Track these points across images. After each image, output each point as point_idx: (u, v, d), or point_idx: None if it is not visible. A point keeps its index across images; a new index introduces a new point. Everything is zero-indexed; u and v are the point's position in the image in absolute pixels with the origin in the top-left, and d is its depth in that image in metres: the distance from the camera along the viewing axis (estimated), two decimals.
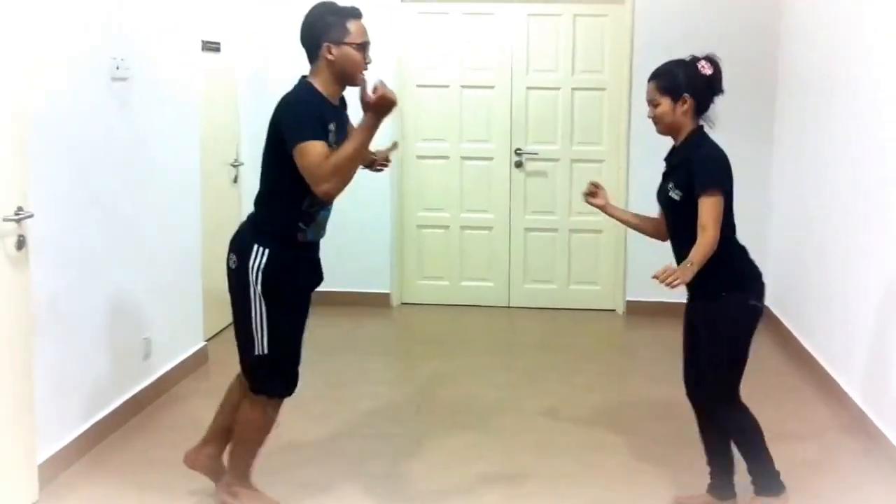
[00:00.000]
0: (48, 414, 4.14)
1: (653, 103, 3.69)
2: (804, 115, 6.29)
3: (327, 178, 3.33)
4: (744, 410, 3.76)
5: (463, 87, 7.42)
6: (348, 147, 3.36)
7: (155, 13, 5.14)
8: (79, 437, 4.41)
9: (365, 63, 3.54)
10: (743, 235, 7.34)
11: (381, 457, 4.54)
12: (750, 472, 3.82)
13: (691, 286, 3.69)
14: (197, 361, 5.77)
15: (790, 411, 5.20)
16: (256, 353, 3.63)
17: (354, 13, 3.55)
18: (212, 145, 6.22)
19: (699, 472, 4.05)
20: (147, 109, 5.04)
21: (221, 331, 6.52)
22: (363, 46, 3.53)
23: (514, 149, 7.42)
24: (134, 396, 4.95)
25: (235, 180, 6.75)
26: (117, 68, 4.68)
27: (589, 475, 4.35)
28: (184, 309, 5.65)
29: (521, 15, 7.32)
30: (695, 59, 3.65)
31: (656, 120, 3.71)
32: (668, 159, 3.79)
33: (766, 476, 3.79)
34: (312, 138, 3.37)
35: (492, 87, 7.40)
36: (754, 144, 7.03)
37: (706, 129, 3.73)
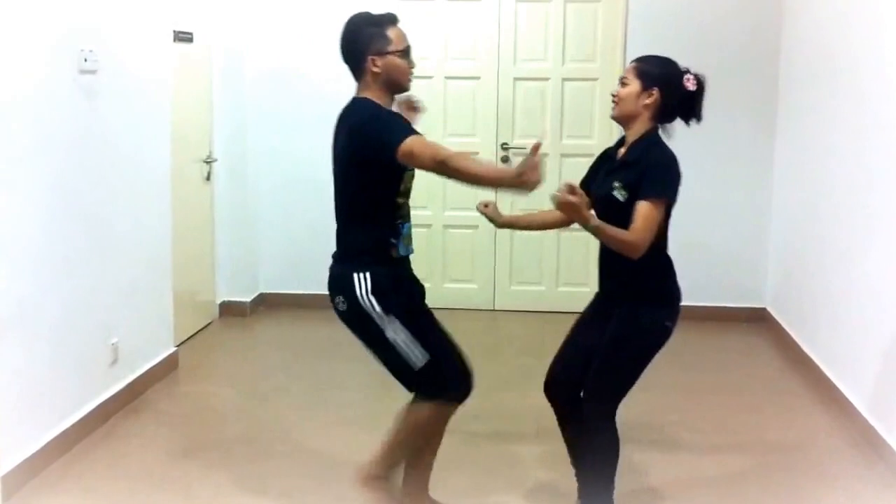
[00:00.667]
0: (11, 423, 4.19)
1: (622, 81, 3.70)
2: (808, 106, 6.35)
3: (447, 157, 3.34)
4: (613, 425, 3.75)
5: (447, 77, 7.49)
6: (478, 169, 3.43)
7: (124, 2, 5.20)
8: (43, 448, 4.46)
9: (410, 68, 3.62)
10: (743, 231, 7.43)
11: (352, 465, 4.60)
12: (584, 495, 3.86)
13: (608, 286, 3.78)
14: (167, 368, 5.83)
15: (788, 417, 5.32)
16: (417, 367, 3.63)
17: (392, 19, 3.62)
18: (184, 141, 6.28)
19: (686, 485, 4.12)
20: (116, 103, 5.10)
21: (192, 336, 6.59)
22: (406, 52, 3.60)
23: (500, 143, 7.50)
24: (101, 405, 5.01)
25: (208, 178, 6.80)
26: (85, 60, 4.73)
27: (572, 487, 4.42)
28: (153, 312, 5.71)
29: (508, 1, 7.39)
30: (686, 70, 3.65)
31: (617, 99, 3.70)
32: (613, 153, 3.80)
33: (598, 500, 3.80)
34: (413, 133, 3.41)
35: (477, 78, 7.47)
36: (756, 138, 7.11)
37: (661, 134, 3.72)
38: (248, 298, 7.41)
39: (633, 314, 3.68)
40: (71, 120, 4.69)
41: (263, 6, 7.26)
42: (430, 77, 7.45)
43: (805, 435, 5.01)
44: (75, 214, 4.75)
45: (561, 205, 3.42)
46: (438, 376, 3.68)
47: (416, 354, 3.62)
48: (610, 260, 3.74)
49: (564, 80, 7.42)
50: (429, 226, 7.61)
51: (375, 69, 3.55)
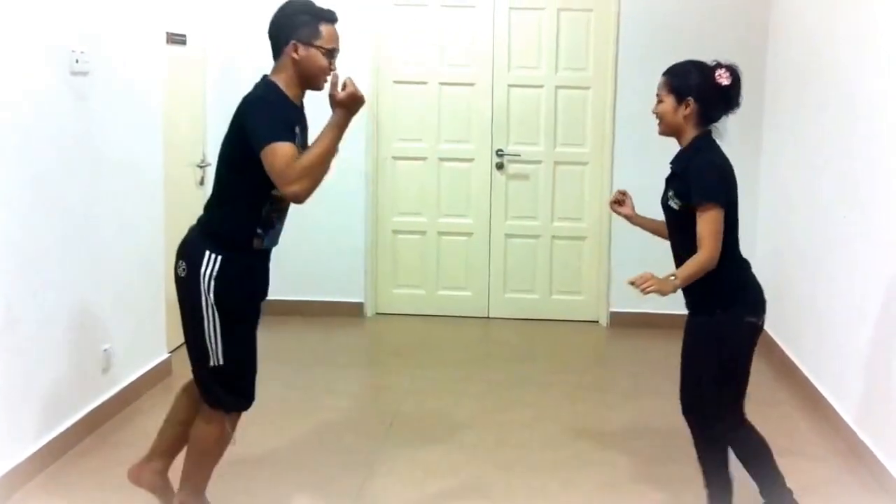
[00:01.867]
0: (2, 429, 4.12)
1: (658, 98, 3.71)
2: (794, 117, 6.34)
3: (297, 179, 3.33)
4: (747, 429, 3.78)
5: (441, 83, 7.43)
6: (318, 147, 3.38)
7: (117, 3, 5.13)
8: (34, 455, 4.38)
9: (330, 70, 3.55)
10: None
11: (351, 473, 4.54)
12: (762, 493, 3.82)
13: (689, 300, 3.75)
14: (159, 374, 5.75)
15: (774, 425, 5.23)
16: (211, 364, 3.61)
17: (330, 17, 3.57)
18: (177, 145, 6.21)
19: (683, 490, 4.08)
20: (108, 106, 5.02)
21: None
22: (331, 52, 3.55)
23: (494, 150, 7.44)
24: (93, 411, 4.93)
25: (202, 182, 6.73)
26: (77, 62, 4.65)
27: (566, 494, 4.39)
28: (146, 318, 5.63)
29: (502, 8, 7.34)
30: (716, 65, 3.63)
31: (657, 117, 3.73)
32: (672, 163, 3.79)
33: (778, 497, 3.79)
34: (282, 139, 3.36)
35: (472, 85, 7.42)
36: (740, 148, 7.02)
37: (714, 136, 3.72)
38: None
39: (714, 322, 3.69)
40: (62, 122, 4.61)
41: (257, 9, 7.14)
42: (425, 83, 7.42)
43: (791, 443, 4.96)
44: (67, 219, 4.67)
45: (646, 290, 3.44)
46: (223, 382, 3.65)
47: (217, 354, 3.60)
48: None
49: (558, 87, 7.38)
50: (423, 233, 7.56)
51: (295, 56, 3.52)
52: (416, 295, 7.63)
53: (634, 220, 4.09)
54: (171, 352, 5.99)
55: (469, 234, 7.56)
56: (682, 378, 3.91)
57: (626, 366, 6.61)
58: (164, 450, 3.92)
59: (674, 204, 3.66)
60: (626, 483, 4.51)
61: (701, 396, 3.80)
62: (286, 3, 3.61)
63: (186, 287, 3.60)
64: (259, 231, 3.60)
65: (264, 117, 3.43)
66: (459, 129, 7.47)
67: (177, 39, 6.23)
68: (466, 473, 4.60)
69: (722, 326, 3.68)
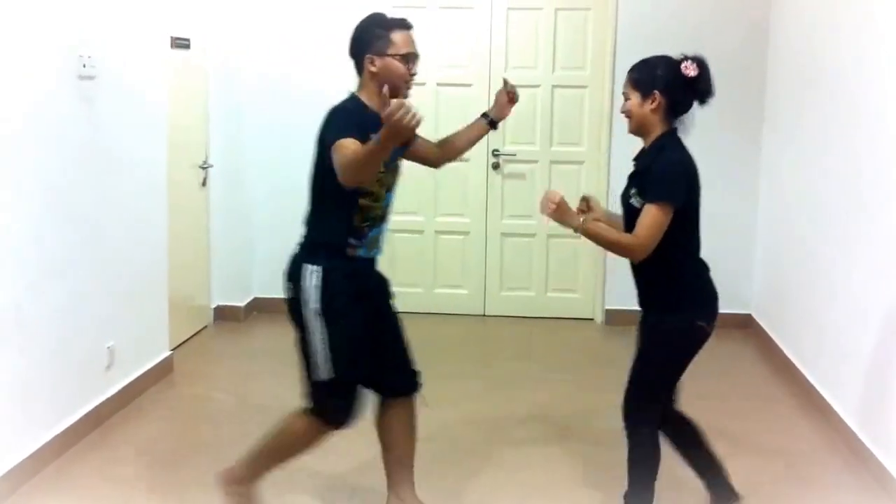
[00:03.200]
0: (5, 427, 4.12)
1: (625, 96, 3.65)
2: (794, 116, 6.32)
3: (343, 169, 3.25)
4: (653, 434, 3.71)
5: (439, 84, 7.42)
6: (363, 150, 3.21)
7: (123, 9, 5.13)
8: (40, 449, 4.39)
9: (410, 74, 3.57)
10: (730, 238, 7.39)
11: (346, 473, 4.55)
12: (627, 494, 3.80)
13: (642, 299, 3.71)
14: (162, 372, 5.75)
15: (772, 424, 5.27)
16: (317, 377, 3.57)
17: (402, 24, 3.60)
18: (180, 146, 6.21)
19: (678, 484, 4.08)
20: (113, 109, 5.02)
21: (187, 340, 6.52)
22: (407, 57, 3.57)
23: (491, 150, 7.43)
24: (96, 408, 4.93)
25: (204, 183, 6.74)
26: (84, 66, 4.66)
27: (562, 488, 4.39)
28: (149, 317, 5.63)
29: (500, 9, 7.33)
30: (683, 58, 3.55)
31: (626, 116, 3.66)
32: (635, 160, 3.71)
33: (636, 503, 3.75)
34: (346, 136, 3.30)
35: (469, 85, 7.41)
36: (741, 147, 7.07)
37: (679, 132, 3.64)
38: (242, 303, 7.31)
39: (657, 323, 3.65)
40: (69, 125, 4.61)
41: (260, 14, 7.19)
42: (422, 84, 7.38)
43: (788, 441, 4.97)
44: (72, 218, 4.68)
45: (547, 210, 3.41)
46: (328, 398, 3.62)
47: (322, 366, 3.55)
48: (635, 272, 3.69)
49: (555, 87, 7.37)
50: (420, 231, 7.56)
51: (373, 68, 3.52)
52: (413, 293, 7.59)
53: (608, 222, 4.00)
54: (173, 349, 6.01)
55: (466, 233, 7.56)
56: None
57: (620, 363, 6.50)
58: (395, 475, 3.95)
59: (635, 202, 3.55)
60: (621, 479, 4.49)
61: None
62: (359, 22, 3.62)
63: (295, 304, 3.58)
64: (352, 241, 3.56)
65: (338, 123, 3.43)
66: (457, 128, 7.43)
67: (181, 44, 6.23)
68: (462, 469, 4.60)
69: (671, 328, 3.61)
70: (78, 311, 4.77)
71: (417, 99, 7.32)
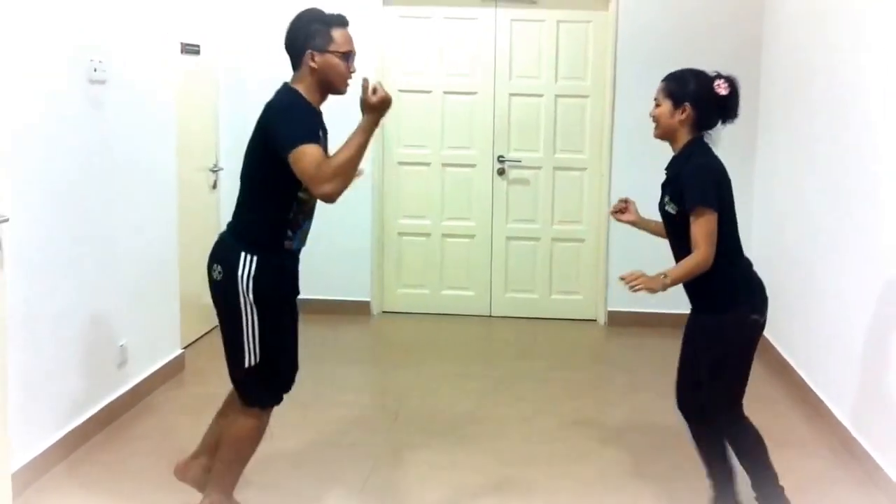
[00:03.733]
0: (20, 423, 4.14)
1: (656, 102, 3.72)
2: (787, 127, 6.36)
3: (329, 180, 3.32)
4: (746, 424, 3.77)
5: (445, 92, 7.47)
6: (349, 149, 3.36)
7: (133, 14, 5.18)
8: (52, 447, 4.42)
9: (349, 72, 3.57)
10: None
11: (357, 467, 4.58)
12: (753, 487, 3.82)
13: (693, 301, 3.76)
14: (173, 370, 5.80)
15: (766, 421, 5.23)
16: (248, 363, 3.61)
17: (340, 21, 3.58)
18: (190, 150, 6.26)
19: (678, 483, 4.10)
20: (124, 112, 5.07)
21: (199, 338, 6.55)
22: (347, 55, 3.56)
23: (496, 156, 7.48)
24: (108, 405, 4.97)
25: (214, 186, 6.78)
26: (95, 70, 4.70)
27: (566, 486, 4.42)
28: (160, 316, 5.67)
29: (504, 20, 7.38)
30: (716, 76, 3.64)
31: (654, 120, 3.73)
32: (667, 169, 3.78)
33: (770, 492, 3.78)
34: (308, 141, 3.36)
35: (474, 93, 7.46)
36: (735, 156, 7.03)
37: (706, 140, 3.72)
38: None
39: (712, 322, 3.70)
40: (81, 129, 4.65)
41: (269, 20, 7.23)
42: (429, 92, 7.46)
43: (784, 439, 4.97)
44: (85, 220, 4.72)
45: (637, 288, 3.46)
46: (259, 382, 3.68)
47: (254, 352, 3.60)
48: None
49: (557, 96, 7.42)
50: (427, 235, 7.60)
51: (313, 64, 3.52)
52: (420, 294, 7.67)
53: (640, 224, 4.07)
54: (184, 348, 6.05)
55: (471, 237, 7.60)
56: (680, 375, 3.91)
57: (622, 363, 6.65)
58: (212, 446, 3.91)
59: (670, 209, 3.66)
60: (622, 476, 4.53)
61: (699, 393, 3.80)
62: (297, 15, 3.61)
63: (224, 289, 3.61)
64: (289, 233, 3.61)
65: (290, 122, 3.44)
66: (462, 135, 7.51)
67: (190, 50, 6.28)
68: (468, 466, 4.63)
69: (728, 325, 3.66)
70: (91, 310, 4.81)
71: (424, 106, 7.47)
